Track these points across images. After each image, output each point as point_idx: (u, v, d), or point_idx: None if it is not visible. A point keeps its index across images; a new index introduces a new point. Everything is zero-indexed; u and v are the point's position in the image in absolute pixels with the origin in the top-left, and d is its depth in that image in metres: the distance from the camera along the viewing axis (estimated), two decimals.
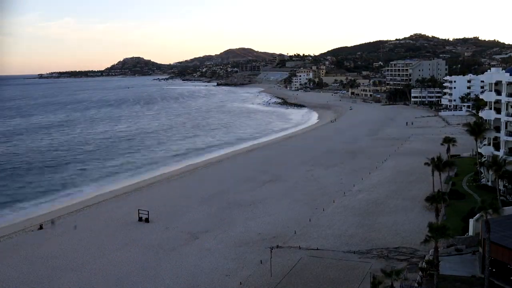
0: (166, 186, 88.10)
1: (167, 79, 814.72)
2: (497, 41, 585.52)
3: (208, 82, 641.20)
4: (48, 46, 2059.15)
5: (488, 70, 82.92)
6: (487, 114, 71.54)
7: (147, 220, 65.32)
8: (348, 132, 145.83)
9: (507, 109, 67.32)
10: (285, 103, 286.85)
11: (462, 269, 41.90)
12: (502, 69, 77.85)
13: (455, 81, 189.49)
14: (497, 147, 69.43)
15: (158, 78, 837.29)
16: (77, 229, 63.94)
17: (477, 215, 46.08)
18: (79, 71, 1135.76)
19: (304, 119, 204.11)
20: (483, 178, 71.30)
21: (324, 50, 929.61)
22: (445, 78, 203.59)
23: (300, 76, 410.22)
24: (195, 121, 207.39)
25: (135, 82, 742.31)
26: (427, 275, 40.02)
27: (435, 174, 65.17)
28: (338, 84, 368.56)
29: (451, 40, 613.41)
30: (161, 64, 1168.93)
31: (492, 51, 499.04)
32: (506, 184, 63.24)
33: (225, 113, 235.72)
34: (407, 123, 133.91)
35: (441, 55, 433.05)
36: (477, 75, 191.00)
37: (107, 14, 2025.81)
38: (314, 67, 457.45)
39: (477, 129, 71.78)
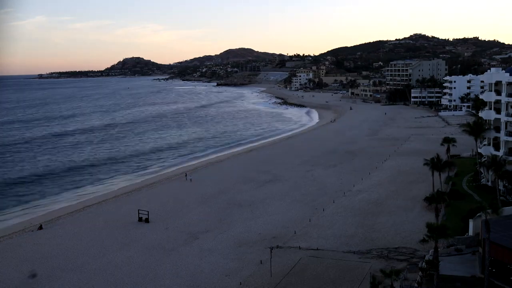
0: (166, 186, 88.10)
1: (167, 79, 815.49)
2: (497, 41, 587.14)
3: (208, 82, 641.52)
4: (47, 46, 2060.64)
5: (488, 70, 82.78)
6: (487, 114, 71.51)
7: (147, 220, 65.32)
8: (348, 132, 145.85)
9: (507, 109, 67.33)
10: (285, 103, 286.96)
11: (462, 269, 41.88)
12: (502, 69, 77.74)
13: (455, 81, 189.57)
14: (497, 147, 69.43)
15: (158, 78, 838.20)
16: (77, 229, 63.95)
17: (477, 215, 46.10)
18: (79, 71, 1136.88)
19: (304, 119, 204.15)
20: (483, 178, 71.31)
21: (324, 50, 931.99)
22: (445, 78, 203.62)
23: (300, 76, 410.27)
24: (194, 121, 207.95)
25: (138, 82, 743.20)
26: (427, 275, 40.00)
27: (435, 174, 65.24)
28: (338, 84, 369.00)
29: (451, 40, 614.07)
30: (161, 64, 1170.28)
31: (492, 51, 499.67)
32: (506, 184, 63.22)
33: (224, 113, 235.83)
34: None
35: (441, 55, 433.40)
36: (477, 75, 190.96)
37: (93, 14, 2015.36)
38: (314, 67, 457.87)
39: (476, 129, 71.86)
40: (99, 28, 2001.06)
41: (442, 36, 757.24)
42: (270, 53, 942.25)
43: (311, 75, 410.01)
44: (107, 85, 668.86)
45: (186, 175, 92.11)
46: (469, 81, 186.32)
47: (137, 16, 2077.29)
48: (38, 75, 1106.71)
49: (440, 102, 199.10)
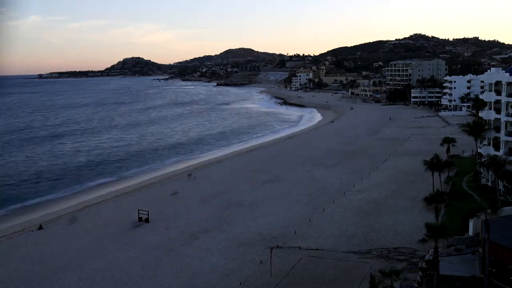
0: (166, 186, 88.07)
1: (167, 79, 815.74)
2: (497, 41, 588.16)
3: (208, 82, 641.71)
4: (46, 46, 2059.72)
5: (488, 70, 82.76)
6: (487, 114, 71.49)
7: (147, 220, 65.33)
8: (348, 132, 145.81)
9: (507, 109, 67.32)
10: (285, 103, 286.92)
11: (462, 269, 41.87)
12: (502, 69, 77.73)
13: (455, 81, 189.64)
14: (497, 147, 69.41)
15: (158, 78, 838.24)
16: (77, 229, 63.96)
17: (477, 215, 46.09)
18: (79, 71, 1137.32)
19: (304, 119, 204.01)
20: (483, 178, 71.29)
21: (324, 50, 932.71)
22: (445, 78, 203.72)
23: (300, 76, 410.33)
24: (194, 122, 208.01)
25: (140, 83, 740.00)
26: (427, 275, 39.99)
27: (435, 174, 65.22)
28: (338, 84, 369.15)
29: (451, 40, 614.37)
30: (161, 64, 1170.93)
31: (492, 51, 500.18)
32: (506, 184, 63.17)
33: (224, 114, 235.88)
34: None
35: (441, 55, 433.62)
36: (477, 75, 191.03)
37: (85, 13, 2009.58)
38: (314, 67, 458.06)
39: (476, 129, 71.84)
40: (96, 28, 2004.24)
41: (442, 36, 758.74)
42: (270, 53, 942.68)
43: (311, 75, 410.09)
44: (86, 86, 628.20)
45: (190, 175, 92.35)
46: (469, 81, 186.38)
47: (137, 16, 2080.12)
48: (38, 75, 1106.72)
49: (440, 102, 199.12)
